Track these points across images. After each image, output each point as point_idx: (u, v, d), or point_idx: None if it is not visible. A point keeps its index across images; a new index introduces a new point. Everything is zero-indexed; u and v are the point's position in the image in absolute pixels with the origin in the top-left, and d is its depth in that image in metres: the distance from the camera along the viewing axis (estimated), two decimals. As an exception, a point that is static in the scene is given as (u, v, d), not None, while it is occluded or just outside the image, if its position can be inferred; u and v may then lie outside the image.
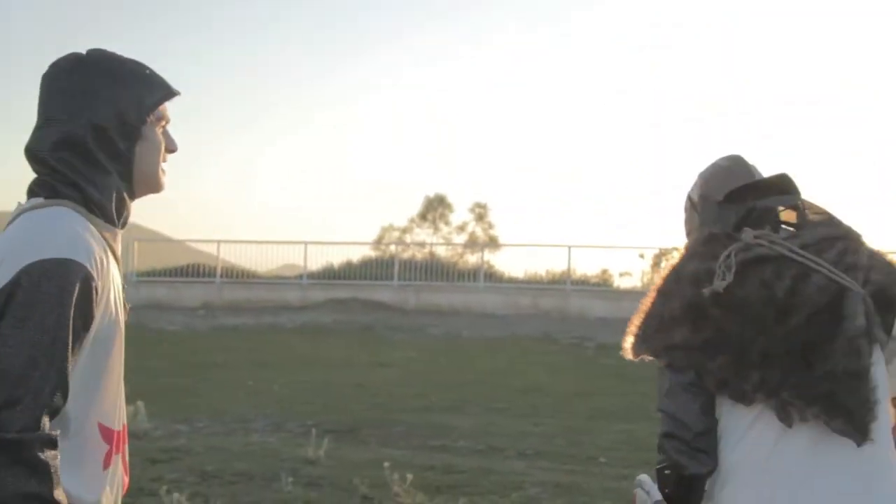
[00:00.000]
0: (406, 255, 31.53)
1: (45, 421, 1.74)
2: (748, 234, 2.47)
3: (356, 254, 29.79)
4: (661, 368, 2.45)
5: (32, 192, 2.00)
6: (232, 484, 7.18)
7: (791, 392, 2.34)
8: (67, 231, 1.87)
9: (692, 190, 2.74)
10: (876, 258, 2.52)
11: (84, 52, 2.08)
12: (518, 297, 23.74)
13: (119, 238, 2.07)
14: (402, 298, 25.07)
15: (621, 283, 26.40)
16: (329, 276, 27.08)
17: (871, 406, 2.36)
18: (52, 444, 1.74)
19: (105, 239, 1.98)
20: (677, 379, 2.39)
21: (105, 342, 1.94)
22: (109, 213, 2.01)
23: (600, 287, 25.61)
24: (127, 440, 2.11)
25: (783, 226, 2.59)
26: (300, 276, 26.84)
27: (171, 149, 2.16)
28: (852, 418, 2.33)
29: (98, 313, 1.89)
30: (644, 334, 2.48)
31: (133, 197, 2.10)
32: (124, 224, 2.08)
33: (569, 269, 25.21)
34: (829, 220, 2.58)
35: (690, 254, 2.53)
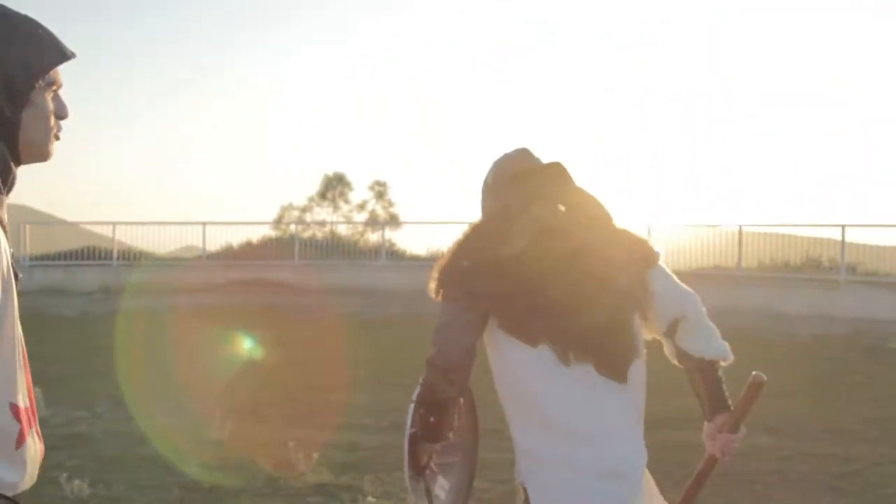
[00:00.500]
0: (306, 234, 31.42)
1: None
2: (536, 209, 3.03)
3: (256, 234, 29.56)
4: (444, 307, 2.94)
5: None
6: (135, 469, 7.12)
7: (570, 338, 2.89)
8: None
9: (487, 175, 3.26)
10: (626, 234, 3.14)
11: None
12: (420, 274, 23.65)
13: (4, 205, 1.96)
14: (304, 278, 24.94)
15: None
16: (229, 256, 26.83)
17: (630, 353, 2.97)
18: None
19: None
20: (457, 318, 2.90)
21: (3, 314, 1.84)
22: None
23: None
24: (35, 411, 2.02)
25: (560, 205, 3.13)
26: (199, 257, 26.52)
27: (61, 115, 2.03)
28: (614, 364, 2.92)
29: None
30: (451, 280, 2.97)
31: (18, 164, 1.98)
32: (10, 189, 1.97)
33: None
34: (595, 203, 3.15)
35: (491, 219, 3.11)
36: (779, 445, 8.03)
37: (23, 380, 1.96)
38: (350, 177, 41.95)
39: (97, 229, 29.04)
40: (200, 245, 26.58)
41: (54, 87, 2.00)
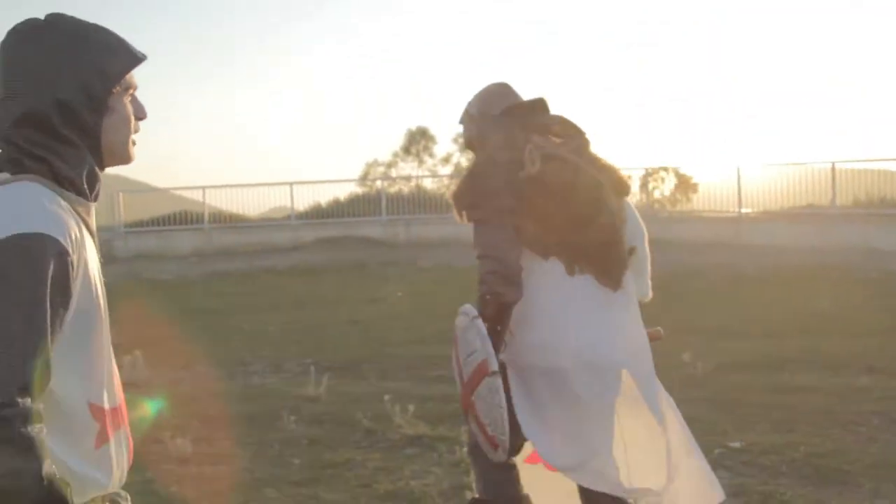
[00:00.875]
0: (393, 189, 31.55)
1: (25, 397, 1.67)
2: (536, 139, 3.41)
3: (343, 191, 29.77)
4: (481, 227, 3.35)
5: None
6: (236, 426, 7.24)
7: (576, 252, 3.32)
8: (38, 206, 1.82)
9: (470, 106, 3.66)
10: (604, 161, 3.53)
11: (43, 17, 1.98)
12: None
13: (93, 212, 2.01)
14: (392, 233, 25.13)
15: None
16: (317, 215, 27.11)
17: (623, 265, 3.43)
18: (35, 417, 1.68)
19: (78, 213, 1.93)
20: (497, 232, 3.28)
21: (88, 319, 1.90)
22: (80, 187, 1.94)
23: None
24: (126, 416, 2.07)
25: (551, 135, 3.52)
26: (288, 217, 26.80)
27: (140, 117, 2.09)
28: (611, 273, 3.36)
29: (76, 289, 1.84)
30: (475, 203, 3.37)
31: (102, 168, 2.03)
32: (97, 197, 2.02)
33: (556, 194, 25.16)
34: (580, 132, 3.53)
35: (499, 146, 3.41)
36: (881, 385, 7.86)
37: (110, 381, 2.01)
38: (433, 130, 42.00)
39: (188, 194, 29.52)
40: (289, 205, 26.87)
41: (131, 91, 2.05)
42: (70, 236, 1.82)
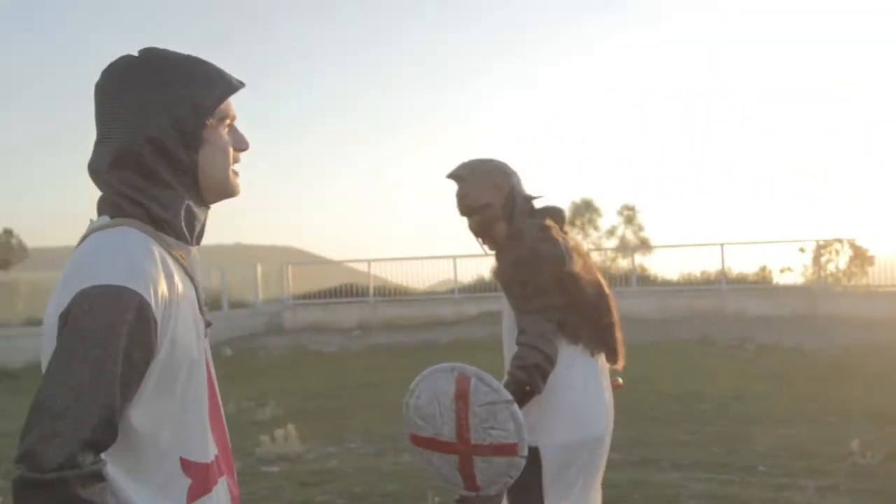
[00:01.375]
0: (557, 263, 31.26)
1: (86, 457, 1.64)
2: (556, 232, 3.64)
3: (506, 265, 29.69)
4: (530, 317, 3.50)
5: (100, 209, 1.91)
6: (379, 505, 7.18)
7: (594, 337, 3.68)
8: (125, 256, 1.77)
9: (494, 175, 3.71)
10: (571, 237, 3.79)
11: (136, 53, 1.95)
12: (672, 299, 23.24)
13: (193, 255, 1.96)
14: (555, 307, 24.84)
15: (781, 279, 25.49)
16: (481, 288, 27.03)
17: (621, 342, 3.82)
18: (94, 478, 1.65)
19: (177, 257, 1.89)
20: (546, 326, 3.49)
21: (179, 370, 1.85)
22: (179, 230, 1.90)
23: (759, 285, 24.83)
24: (222, 469, 2.01)
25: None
26: (452, 291, 26.88)
27: (241, 147, 2.01)
28: (617, 352, 3.79)
29: (162, 342, 1.79)
30: (525, 296, 3.54)
31: (206, 205, 1.98)
32: (199, 240, 1.97)
33: (723, 268, 24.54)
34: (564, 219, 3.82)
35: (539, 238, 3.59)
36: None
37: (207, 433, 1.96)
38: (597, 202, 41.72)
39: (355, 266, 29.99)
40: (454, 278, 26.95)
41: (228, 121, 1.98)
42: (155, 289, 1.77)
